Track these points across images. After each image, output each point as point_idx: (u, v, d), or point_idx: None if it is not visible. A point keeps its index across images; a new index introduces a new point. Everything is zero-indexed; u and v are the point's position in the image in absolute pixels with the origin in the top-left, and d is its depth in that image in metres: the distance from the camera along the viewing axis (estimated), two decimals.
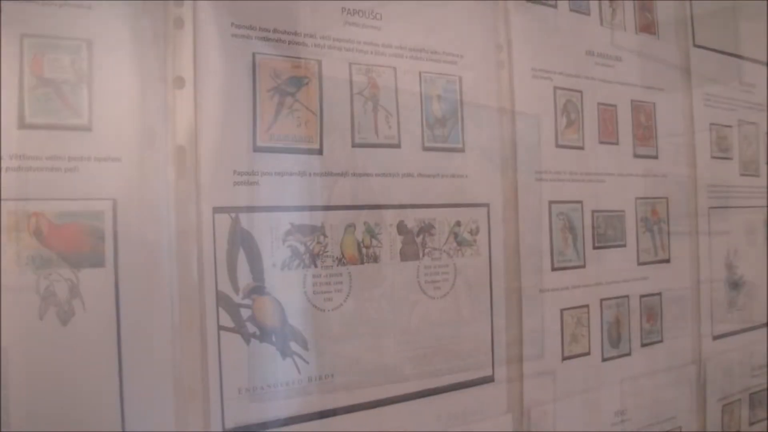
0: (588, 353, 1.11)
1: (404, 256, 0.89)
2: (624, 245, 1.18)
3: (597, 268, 1.13)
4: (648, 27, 1.26)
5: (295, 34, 0.82)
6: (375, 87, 0.87)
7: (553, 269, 1.07)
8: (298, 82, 0.81)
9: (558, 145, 1.08)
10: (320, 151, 0.83)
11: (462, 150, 0.96)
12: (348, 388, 0.84)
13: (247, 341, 0.76)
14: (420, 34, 0.92)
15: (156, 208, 0.71)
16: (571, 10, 1.12)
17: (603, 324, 1.14)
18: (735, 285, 1.42)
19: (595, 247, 1.13)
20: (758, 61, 1.49)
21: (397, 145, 0.89)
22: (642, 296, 1.21)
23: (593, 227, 1.13)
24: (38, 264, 0.64)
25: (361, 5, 0.87)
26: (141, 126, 0.71)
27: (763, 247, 1.49)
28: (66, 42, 0.67)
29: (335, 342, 0.83)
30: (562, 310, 1.08)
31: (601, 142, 1.15)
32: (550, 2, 1.09)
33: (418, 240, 0.91)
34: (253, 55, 0.78)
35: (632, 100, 1.21)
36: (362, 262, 0.85)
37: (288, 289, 0.79)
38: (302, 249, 0.81)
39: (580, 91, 1.12)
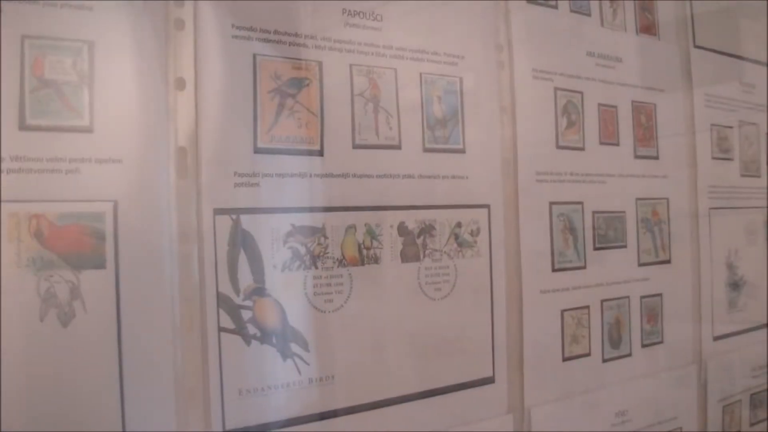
0: (588, 354, 1.11)
1: (405, 258, 0.89)
2: (625, 246, 1.18)
3: (598, 269, 1.13)
4: (648, 28, 1.26)
5: (296, 35, 0.82)
6: (376, 88, 0.87)
7: (554, 270, 1.07)
8: (299, 83, 0.81)
9: (558, 146, 1.08)
10: (321, 153, 0.83)
11: (463, 151, 0.95)
12: (348, 390, 0.84)
13: (248, 342, 0.76)
14: (420, 35, 0.92)
15: (157, 210, 0.71)
16: (571, 10, 1.12)
17: (603, 325, 1.14)
18: (735, 285, 1.42)
19: (595, 248, 1.13)
20: (759, 62, 1.49)
21: (398, 147, 0.89)
22: (642, 297, 1.21)
23: (594, 228, 1.12)
24: (39, 266, 0.64)
25: (362, 6, 0.87)
26: (142, 127, 0.71)
27: (764, 247, 1.49)
28: (67, 43, 0.67)
29: (336, 343, 0.83)
30: (562, 311, 1.08)
31: (602, 143, 1.15)
32: (550, 3, 1.09)
33: (419, 241, 0.91)
34: (254, 56, 0.78)
35: (633, 101, 1.21)
36: (363, 264, 0.85)
37: (289, 290, 0.79)
38: (303, 250, 0.81)
39: (581, 92, 1.12)
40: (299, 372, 0.80)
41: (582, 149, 1.12)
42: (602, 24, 1.17)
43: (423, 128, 0.92)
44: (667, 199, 1.26)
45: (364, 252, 0.86)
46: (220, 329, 0.74)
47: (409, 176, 0.90)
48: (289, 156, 0.80)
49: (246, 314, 0.76)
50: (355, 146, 0.85)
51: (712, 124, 1.37)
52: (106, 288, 0.68)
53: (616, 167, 1.17)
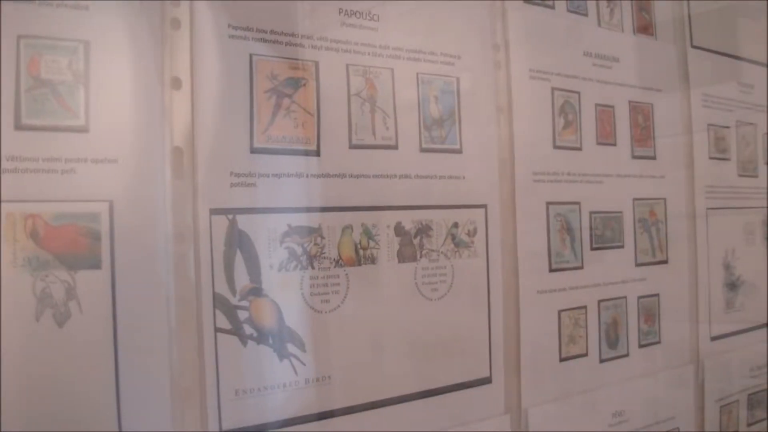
0: (586, 354, 1.11)
1: (402, 258, 0.89)
2: (622, 246, 1.18)
3: (595, 269, 1.13)
4: (646, 28, 1.26)
5: (293, 35, 0.82)
6: (372, 88, 0.87)
7: (551, 270, 1.07)
8: (296, 83, 0.81)
9: (556, 146, 1.08)
10: (317, 153, 0.82)
11: (459, 151, 0.95)
12: (345, 390, 0.84)
13: (244, 343, 0.76)
14: (417, 35, 0.92)
15: (153, 210, 0.71)
16: (568, 10, 1.12)
17: (601, 325, 1.14)
18: (733, 286, 1.42)
19: (592, 248, 1.13)
20: (756, 62, 1.49)
21: (395, 147, 0.89)
22: (640, 297, 1.21)
23: (591, 228, 1.13)
24: (34, 266, 0.64)
25: (359, 6, 0.87)
26: (138, 127, 0.71)
27: (762, 247, 1.49)
28: (63, 43, 0.67)
29: (333, 344, 0.83)
30: (559, 311, 1.08)
31: (599, 143, 1.15)
32: (547, 3, 1.09)
33: (416, 241, 0.91)
34: (250, 56, 0.78)
35: (630, 101, 1.21)
36: (359, 264, 0.85)
37: (285, 290, 0.79)
38: (299, 250, 0.80)
39: (578, 92, 1.12)
40: (296, 372, 0.80)
41: (579, 149, 1.12)
42: (599, 24, 1.17)
43: (420, 128, 0.92)
44: (665, 199, 1.26)
45: (361, 252, 0.85)
46: (217, 329, 0.74)
47: (406, 176, 0.90)
48: (286, 156, 0.80)
49: (242, 314, 0.76)
50: (352, 146, 0.85)
51: (710, 124, 1.37)
52: (102, 288, 0.67)
53: (613, 167, 1.17)
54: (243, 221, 0.76)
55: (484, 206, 0.98)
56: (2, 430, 0.62)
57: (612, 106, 1.17)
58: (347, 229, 0.84)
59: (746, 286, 1.44)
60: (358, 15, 0.87)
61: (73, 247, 0.66)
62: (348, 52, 0.86)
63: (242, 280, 0.76)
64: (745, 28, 1.48)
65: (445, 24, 0.96)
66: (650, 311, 1.23)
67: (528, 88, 1.05)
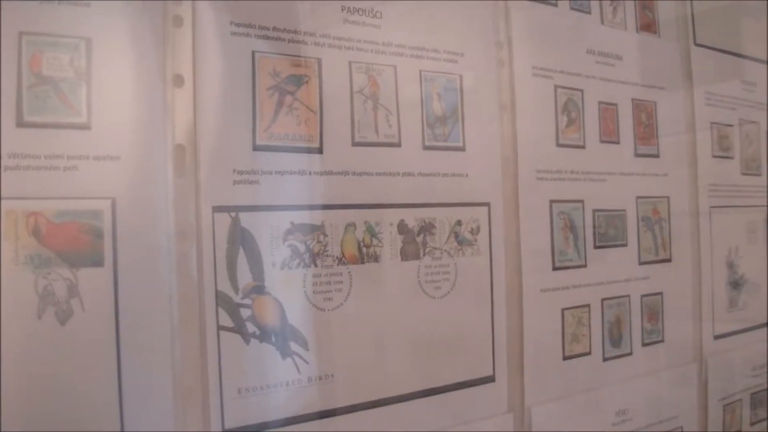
0: (589, 353, 1.11)
1: (405, 256, 0.89)
2: (625, 245, 1.18)
3: (598, 267, 1.13)
4: (649, 26, 1.25)
5: (295, 32, 0.81)
6: (375, 85, 0.87)
7: (554, 269, 1.07)
8: (298, 80, 0.81)
9: (559, 144, 1.08)
10: (320, 150, 0.82)
11: (462, 149, 0.95)
12: (348, 388, 0.83)
13: (247, 341, 0.76)
14: (420, 33, 0.92)
15: (155, 207, 0.71)
16: (571, 8, 1.12)
17: (604, 323, 1.14)
18: (736, 284, 1.41)
19: (596, 247, 1.13)
20: (759, 60, 1.49)
21: (398, 144, 0.89)
22: (643, 296, 1.20)
23: (594, 226, 1.12)
24: (37, 263, 0.64)
25: (361, 3, 0.87)
26: (140, 124, 0.70)
27: (764, 246, 1.49)
28: (65, 40, 0.67)
29: (335, 342, 0.83)
30: (563, 310, 1.07)
31: (602, 141, 1.15)
32: (550, 1, 1.09)
33: (419, 239, 0.90)
34: (253, 53, 0.78)
35: (633, 99, 1.20)
36: (362, 262, 0.85)
37: (288, 288, 0.79)
38: (302, 248, 0.80)
39: (581, 90, 1.12)
40: (299, 371, 0.79)
41: (582, 147, 1.11)
42: (602, 22, 1.17)
43: (423, 126, 0.91)
44: (668, 197, 1.26)
45: (364, 250, 0.85)
46: (219, 328, 0.74)
47: (409, 174, 0.90)
48: (288, 153, 0.80)
49: (245, 312, 0.76)
50: (355, 144, 0.85)
51: (713, 123, 1.36)
52: (105, 286, 0.67)
53: (616, 165, 1.17)
54: (246, 219, 0.76)
55: (487, 204, 0.98)
56: (3, 429, 0.61)
57: (615, 104, 1.17)
58: (350, 226, 0.84)
59: (749, 284, 1.44)
60: (360, 12, 0.87)
61: (75, 245, 0.66)
62: (351, 50, 0.86)
63: (245, 278, 0.76)
64: (748, 26, 1.48)
65: (448, 21, 0.95)
66: (653, 310, 1.22)
67: (531, 85, 1.05)
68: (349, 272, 0.84)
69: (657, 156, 1.24)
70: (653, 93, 1.24)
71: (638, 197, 1.20)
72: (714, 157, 1.36)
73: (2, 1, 0.63)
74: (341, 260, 0.83)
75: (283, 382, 0.78)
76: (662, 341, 1.24)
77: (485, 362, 0.97)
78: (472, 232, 0.96)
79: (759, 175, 1.48)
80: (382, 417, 0.86)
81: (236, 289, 0.75)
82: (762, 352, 1.45)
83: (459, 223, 0.94)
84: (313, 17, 0.83)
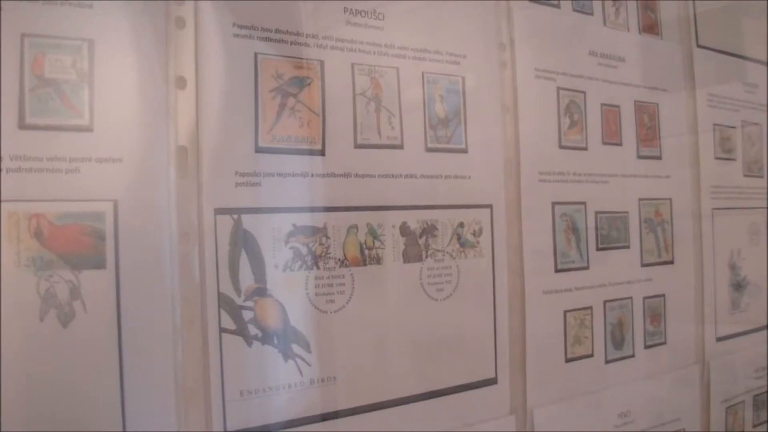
0: (591, 355, 1.11)
1: (407, 258, 0.89)
2: (627, 246, 1.18)
3: (600, 269, 1.12)
4: (651, 27, 1.25)
5: (297, 34, 0.81)
6: (377, 87, 0.87)
7: (557, 271, 1.06)
8: (300, 82, 0.81)
9: (561, 146, 1.08)
10: (322, 152, 0.82)
11: (465, 151, 0.95)
12: (350, 391, 0.83)
13: (249, 343, 0.76)
14: (423, 35, 0.92)
15: (157, 209, 0.71)
16: (574, 10, 1.12)
17: (606, 326, 1.13)
18: (738, 286, 1.41)
19: (598, 249, 1.12)
20: (762, 62, 1.48)
21: (400, 146, 0.89)
22: (645, 298, 1.20)
23: (597, 228, 1.12)
24: (39, 265, 0.64)
25: (364, 5, 0.87)
26: (142, 126, 0.70)
27: (767, 248, 1.48)
28: (67, 42, 0.67)
29: (337, 344, 0.82)
30: (565, 312, 1.07)
31: (605, 143, 1.14)
32: (553, 2, 1.09)
33: (421, 241, 0.90)
34: (255, 55, 0.78)
35: (635, 101, 1.20)
36: (365, 264, 0.85)
37: (290, 290, 0.79)
38: (304, 250, 0.80)
39: (584, 92, 1.11)
40: (301, 373, 0.79)
41: (585, 149, 1.11)
42: (605, 23, 1.17)
43: (425, 128, 0.91)
44: (670, 199, 1.25)
45: (366, 252, 0.85)
46: (221, 330, 0.74)
47: (411, 176, 0.89)
48: (291, 155, 0.80)
49: (247, 315, 0.76)
50: (357, 146, 0.85)
51: (715, 124, 1.36)
52: (107, 288, 0.67)
53: (618, 167, 1.16)
54: (248, 221, 0.76)
55: (490, 206, 0.98)
56: (4, 429, 0.61)
57: (617, 106, 1.17)
58: (352, 228, 0.84)
59: (752, 286, 1.43)
60: (363, 14, 0.87)
61: (77, 247, 0.66)
62: (353, 51, 0.85)
63: (247, 280, 0.76)
64: (751, 28, 1.47)
65: (450, 23, 0.95)
66: (656, 312, 1.22)
67: (533, 87, 1.05)
68: (352, 274, 0.84)
69: (659, 158, 1.24)
70: (656, 95, 1.24)
71: (640, 199, 1.20)
72: (716, 158, 1.36)
73: (3, 2, 0.63)
74: (343, 262, 0.83)
75: (285, 384, 0.78)
76: (665, 343, 1.23)
77: (487, 364, 0.97)
78: (474, 234, 0.96)
79: (761, 176, 1.48)
80: (384, 419, 0.86)
81: (238, 291, 0.75)
82: (764, 354, 1.45)
83: (461, 225, 0.94)
84: (315, 19, 0.83)
